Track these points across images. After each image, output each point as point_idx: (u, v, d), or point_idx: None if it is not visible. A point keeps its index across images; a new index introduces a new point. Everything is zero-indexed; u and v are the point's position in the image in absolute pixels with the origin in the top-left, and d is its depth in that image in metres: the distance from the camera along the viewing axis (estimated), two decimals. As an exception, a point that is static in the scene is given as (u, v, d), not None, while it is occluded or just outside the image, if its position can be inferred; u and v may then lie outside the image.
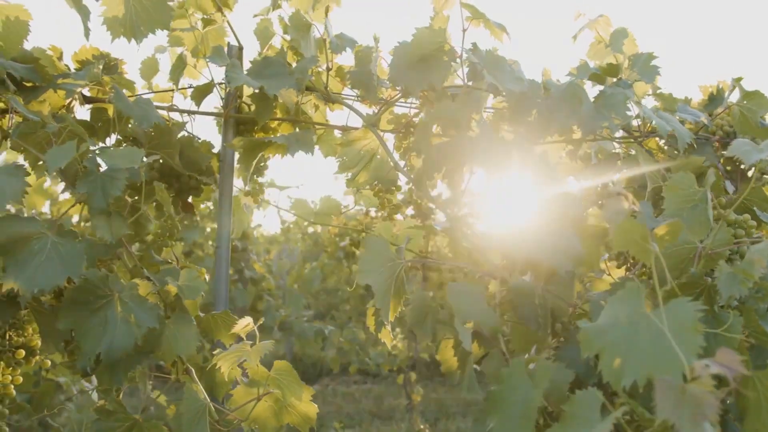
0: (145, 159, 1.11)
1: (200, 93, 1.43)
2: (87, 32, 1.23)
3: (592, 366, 1.01)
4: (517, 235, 1.09)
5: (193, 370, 1.22)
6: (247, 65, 1.41)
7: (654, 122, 1.35)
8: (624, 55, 1.62)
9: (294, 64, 1.37)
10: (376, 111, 1.38)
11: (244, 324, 1.13)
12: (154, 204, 1.27)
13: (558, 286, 1.08)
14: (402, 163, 1.45)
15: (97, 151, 1.10)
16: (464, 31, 1.22)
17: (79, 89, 1.21)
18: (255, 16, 1.50)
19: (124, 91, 1.28)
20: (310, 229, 6.87)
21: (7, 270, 1.01)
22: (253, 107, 1.48)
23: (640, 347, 0.72)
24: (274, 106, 1.31)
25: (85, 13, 1.22)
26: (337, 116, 1.59)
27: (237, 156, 1.45)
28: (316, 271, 5.29)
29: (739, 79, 1.65)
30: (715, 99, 1.70)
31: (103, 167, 1.08)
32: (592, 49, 1.70)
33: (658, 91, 1.57)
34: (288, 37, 1.49)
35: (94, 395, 1.66)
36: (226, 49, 1.48)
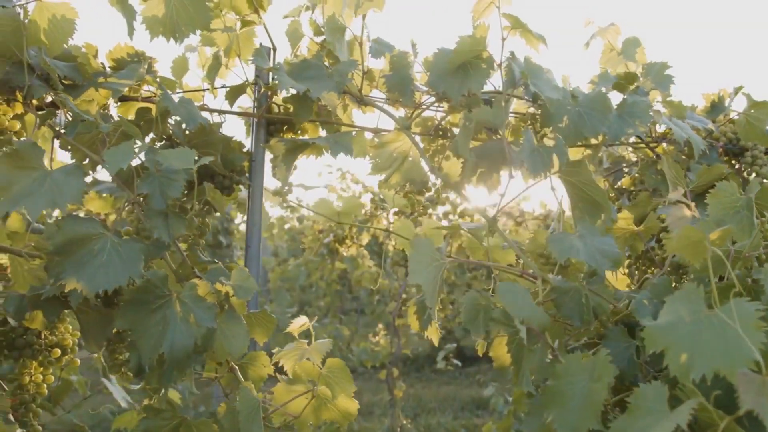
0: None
1: (234, 93, 1.44)
2: (131, 32, 1.23)
3: (635, 361, 1.08)
4: (557, 236, 1.15)
5: (237, 368, 1.24)
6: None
7: (672, 130, 1.42)
8: (636, 64, 1.69)
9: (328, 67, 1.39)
10: (408, 114, 1.42)
11: (300, 323, 1.16)
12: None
13: (598, 285, 1.14)
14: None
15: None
16: (503, 40, 1.26)
17: (126, 88, 1.21)
18: (285, 17, 1.52)
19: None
20: (287, 225, 6.86)
21: (67, 270, 1.02)
22: (282, 108, 1.50)
23: (706, 343, 0.78)
24: (312, 108, 1.33)
25: (130, 14, 1.22)
26: (360, 118, 1.62)
27: (267, 156, 1.48)
28: (300, 268, 5.29)
29: (740, 88, 1.75)
30: (716, 106, 1.79)
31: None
32: (604, 57, 1.77)
33: (668, 99, 1.65)
34: (317, 39, 1.52)
35: (121, 393, 1.66)
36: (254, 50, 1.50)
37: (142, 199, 1.10)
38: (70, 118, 1.17)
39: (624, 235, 1.29)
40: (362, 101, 1.42)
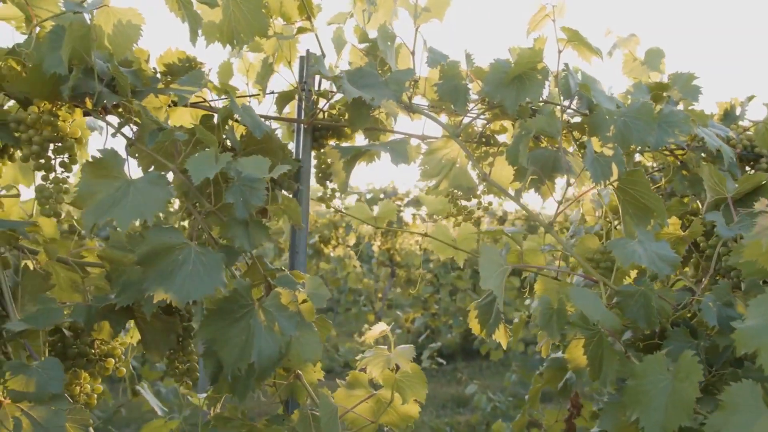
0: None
1: (283, 99, 1.44)
2: (195, 38, 1.22)
3: (701, 361, 1.13)
4: (619, 243, 1.20)
5: (302, 374, 1.25)
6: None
7: (706, 139, 1.49)
8: (660, 74, 1.77)
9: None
10: (457, 122, 1.45)
11: (380, 330, 1.17)
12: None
13: (660, 289, 1.19)
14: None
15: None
16: (560, 52, 1.31)
17: (192, 95, 1.20)
18: (329, 23, 1.53)
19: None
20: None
21: (152, 280, 1.01)
22: (326, 114, 1.51)
23: (799, 344, 0.84)
24: (369, 115, 1.35)
25: (195, 20, 1.21)
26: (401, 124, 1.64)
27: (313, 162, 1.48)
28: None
29: (752, 97, 1.85)
30: (729, 114, 1.89)
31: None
32: (626, 66, 1.84)
33: (690, 108, 1.72)
34: (360, 46, 1.53)
35: (155, 401, 1.63)
36: (298, 56, 1.50)
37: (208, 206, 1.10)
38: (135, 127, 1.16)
39: (670, 239, 1.35)
40: (411, 109, 1.44)
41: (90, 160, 1.02)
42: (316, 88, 1.47)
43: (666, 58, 1.79)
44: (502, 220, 5.56)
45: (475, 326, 1.29)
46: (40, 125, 1.17)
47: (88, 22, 1.11)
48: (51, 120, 1.17)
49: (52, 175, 1.22)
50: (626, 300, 1.16)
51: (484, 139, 1.54)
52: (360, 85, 1.34)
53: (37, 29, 1.15)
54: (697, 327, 1.17)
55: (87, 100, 1.14)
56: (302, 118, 1.46)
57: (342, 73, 1.28)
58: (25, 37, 1.29)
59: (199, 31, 1.25)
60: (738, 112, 1.91)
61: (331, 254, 5.08)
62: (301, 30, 1.37)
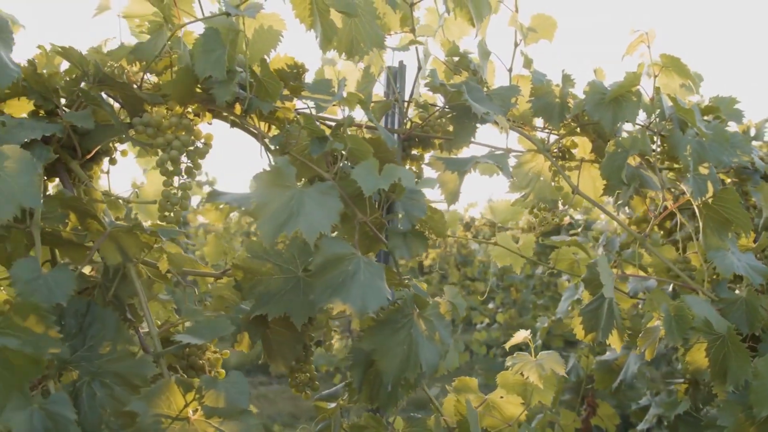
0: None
1: (381, 109, 1.45)
2: (328, 47, 1.22)
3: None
4: (719, 255, 1.31)
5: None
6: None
7: (755, 161, 1.65)
8: (700, 96, 1.92)
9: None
10: (546, 138, 1.53)
11: (522, 336, 1.21)
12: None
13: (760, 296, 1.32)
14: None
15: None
16: (655, 76, 1.41)
17: (331, 104, 1.19)
18: (418, 35, 1.55)
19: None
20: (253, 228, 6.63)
21: (322, 291, 1.00)
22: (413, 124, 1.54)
23: None
24: (475, 129, 1.39)
25: (332, 29, 1.20)
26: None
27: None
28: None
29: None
30: (746, 135, 2.08)
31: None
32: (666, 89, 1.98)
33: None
34: (442, 59, 1.57)
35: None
36: (385, 66, 1.52)
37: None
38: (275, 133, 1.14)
39: (742, 251, 1.49)
40: (486, 121, 1.50)
41: (265, 169, 1.00)
42: (406, 98, 1.50)
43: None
44: (468, 225, 5.73)
45: (579, 331, 1.36)
46: (175, 129, 1.13)
47: (240, 26, 1.09)
48: (188, 124, 1.14)
49: (176, 181, 1.18)
50: (728, 307, 1.28)
51: (560, 154, 1.62)
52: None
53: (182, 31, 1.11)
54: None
55: (237, 105, 1.11)
56: (396, 128, 1.48)
57: (463, 86, 1.32)
58: (139, 37, 1.24)
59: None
60: (753, 132, 2.12)
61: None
62: (412, 42, 1.39)
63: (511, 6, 1.47)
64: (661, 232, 2.05)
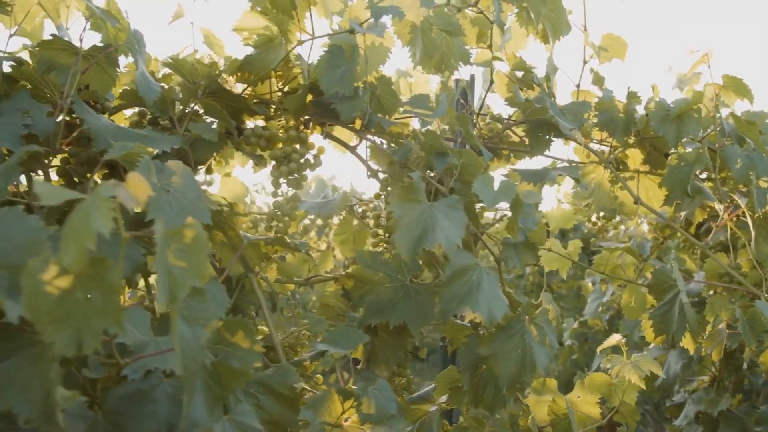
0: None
1: (461, 122, 1.50)
2: (429, 66, 1.26)
3: None
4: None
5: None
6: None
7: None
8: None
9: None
10: (608, 150, 1.61)
11: (616, 339, 1.28)
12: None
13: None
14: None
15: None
16: (717, 95, 1.50)
17: (434, 119, 1.23)
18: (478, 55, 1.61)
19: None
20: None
21: (450, 300, 1.05)
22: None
23: None
24: (550, 142, 1.45)
25: (435, 47, 1.25)
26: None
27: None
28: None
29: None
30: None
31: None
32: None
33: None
34: (503, 72, 1.63)
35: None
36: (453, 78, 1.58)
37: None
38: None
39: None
40: (567, 136, 1.57)
41: (402, 184, 1.04)
42: (475, 110, 1.55)
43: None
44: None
45: (649, 334, 1.44)
46: (290, 141, 1.16)
47: (360, 44, 1.12)
48: (304, 137, 1.16)
49: (281, 193, 1.20)
50: (787, 309, 1.38)
51: (615, 164, 1.70)
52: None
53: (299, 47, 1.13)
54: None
55: (357, 121, 1.15)
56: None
57: (546, 103, 1.38)
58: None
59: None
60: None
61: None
62: (495, 58, 1.45)
63: (579, 26, 1.54)
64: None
